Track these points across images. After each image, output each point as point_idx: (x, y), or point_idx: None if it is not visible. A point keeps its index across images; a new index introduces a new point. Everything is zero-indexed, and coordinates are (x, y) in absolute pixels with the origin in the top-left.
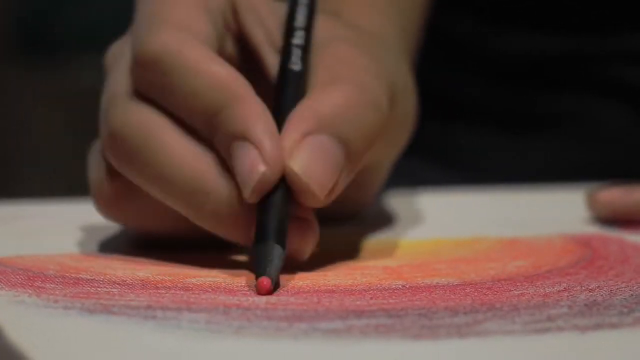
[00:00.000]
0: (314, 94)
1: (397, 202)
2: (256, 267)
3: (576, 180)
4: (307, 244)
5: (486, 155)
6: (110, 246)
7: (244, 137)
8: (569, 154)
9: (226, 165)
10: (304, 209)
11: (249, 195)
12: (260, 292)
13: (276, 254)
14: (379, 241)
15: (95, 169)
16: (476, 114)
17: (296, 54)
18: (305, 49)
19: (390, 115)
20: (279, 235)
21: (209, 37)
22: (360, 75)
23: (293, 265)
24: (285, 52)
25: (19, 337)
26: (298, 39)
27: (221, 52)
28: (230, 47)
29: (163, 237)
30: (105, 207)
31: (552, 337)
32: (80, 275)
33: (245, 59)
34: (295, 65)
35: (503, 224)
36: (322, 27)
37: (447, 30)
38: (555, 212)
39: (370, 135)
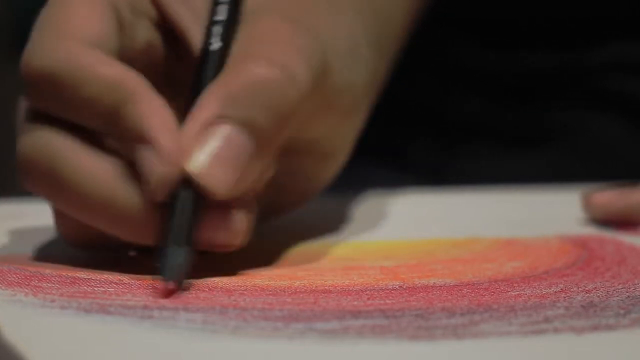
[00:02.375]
0: (224, 75)
1: (392, 202)
2: (160, 270)
3: None
4: (229, 233)
5: (483, 172)
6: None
7: (141, 138)
8: (566, 168)
9: (133, 169)
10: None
11: (152, 197)
12: (163, 296)
13: (175, 255)
14: (376, 242)
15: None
16: (473, 132)
17: (216, 32)
18: (228, 24)
19: (324, 85)
20: (180, 235)
21: (102, 36)
22: (276, 50)
23: (217, 258)
24: (207, 30)
25: (15, 337)
26: (220, 14)
27: (131, 45)
28: (147, 34)
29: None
30: (69, 242)
31: (549, 339)
32: (77, 275)
33: (171, 45)
34: (214, 42)
35: (499, 225)
36: None
37: (442, 50)
38: (552, 213)
39: (283, 114)
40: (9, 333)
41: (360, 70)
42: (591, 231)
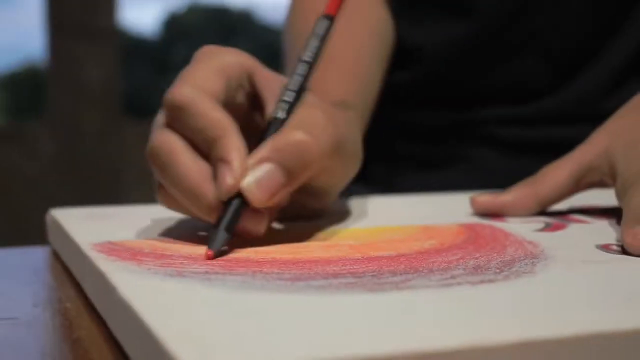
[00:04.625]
0: (279, 134)
1: (354, 204)
2: (209, 242)
3: None
4: (256, 226)
5: (416, 185)
6: (174, 234)
7: (223, 159)
8: (463, 182)
9: (214, 174)
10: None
11: (221, 196)
12: (205, 258)
13: (220, 236)
14: (345, 229)
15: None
16: (408, 160)
17: (282, 107)
18: (293, 103)
19: (335, 158)
20: (228, 223)
21: (217, 92)
22: (315, 128)
23: (250, 240)
24: (276, 105)
25: (127, 292)
26: (287, 97)
27: (231, 102)
28: (241, 99)
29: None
30: (162, 203)
31: (455, 290)
32: (164, 252)
33: (253, 107)
34: (280, 114)
35: (421, 217)
36: (312, 96)
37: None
38: (454, 209)
39: (308, 166)
40: (122, 290)
41: (356, 151)
42: (476, 220)
